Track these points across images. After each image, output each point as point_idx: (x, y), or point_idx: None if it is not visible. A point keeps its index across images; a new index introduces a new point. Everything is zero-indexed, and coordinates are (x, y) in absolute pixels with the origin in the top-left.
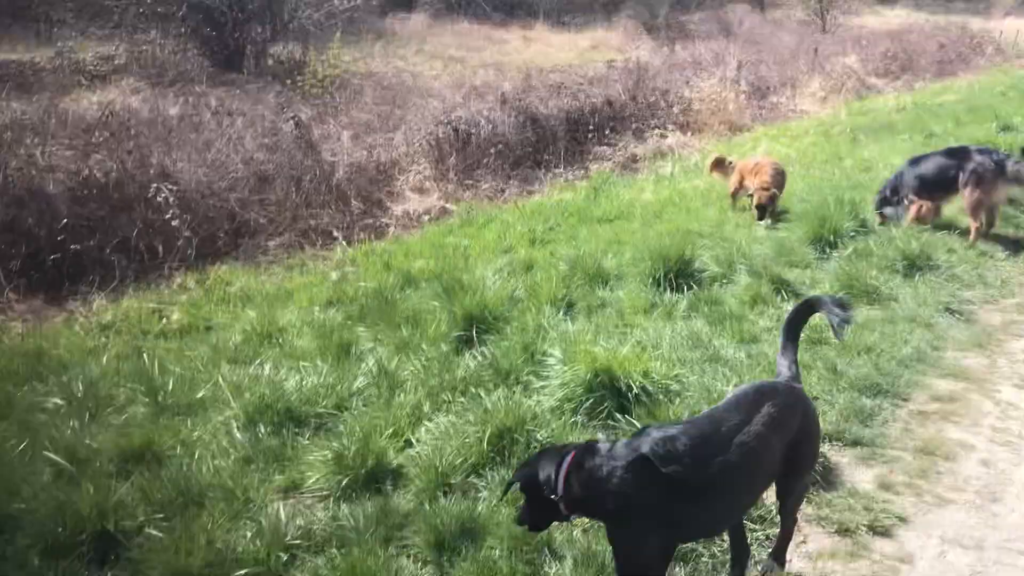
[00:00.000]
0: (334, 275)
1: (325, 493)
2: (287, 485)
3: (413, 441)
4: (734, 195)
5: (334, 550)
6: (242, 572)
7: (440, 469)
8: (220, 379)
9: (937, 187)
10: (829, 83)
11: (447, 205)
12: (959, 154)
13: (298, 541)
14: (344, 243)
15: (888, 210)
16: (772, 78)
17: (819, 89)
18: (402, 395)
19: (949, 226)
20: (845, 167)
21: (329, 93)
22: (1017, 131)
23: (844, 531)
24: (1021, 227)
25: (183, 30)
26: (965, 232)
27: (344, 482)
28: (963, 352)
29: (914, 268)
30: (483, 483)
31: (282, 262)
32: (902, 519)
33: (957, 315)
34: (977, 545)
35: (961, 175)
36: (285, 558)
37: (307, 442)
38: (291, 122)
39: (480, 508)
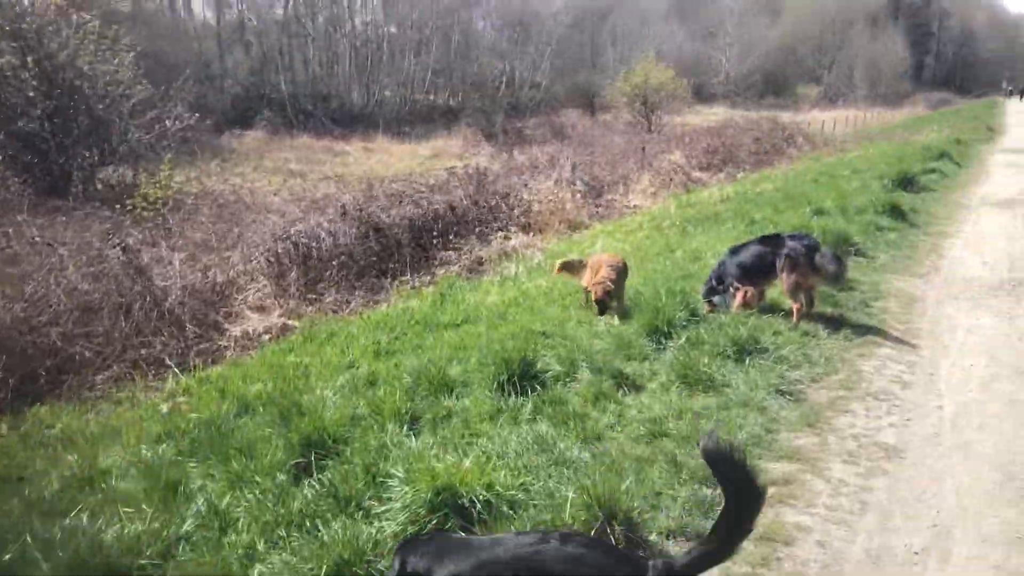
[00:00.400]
0: (164, 407)
1: None
2: None
3: None
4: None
5: None
6: None
7: None
8: (28, 539)
9: (757, 273)
10: (658, 179)
11: (289, 322)
12: (773, 241)
13: None
14: (177, 371)
15: (716, 299)
16: (605, 177)
17: (649, 185)
18: (234, 535)
19: (773, 308)
20: (676, 258)
21: (161, 215)
22: (828, 215)
23: None
24: (839, 305)
25: (1, 157)
26: (789, 314)
27: None
28: (795, 432)
29: (744, 353)
30: None
31: (111, 397)
32: None
33: (787, 396)
34: None
35: (777, 261)
36: None
37: None
38: (118, 248)
39: None
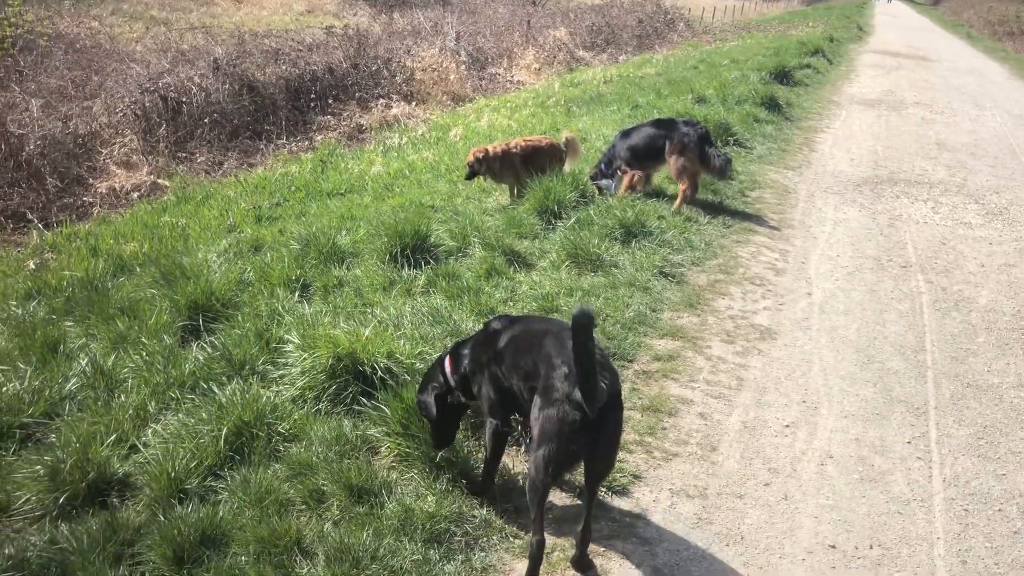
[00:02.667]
0: (32, 263)
1: (39, 514)
2: None
3: (140, 446)
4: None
5: None
6: None
7: (173, 475)
8: None
9: (647, 156)
10: (543, 55)
11: (159, 180)
12: (666, 125)
13: (9, 574)
14: (40, 227)
15: (603, 182)
16: (490, 49)
17: (533, 61)
18: (123, 396)
19: (659, 194)
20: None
21: (11, 56)
22: (709, 103)
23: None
24: (718, 193)
25: None
26: (672, 199)
27: (62, 499)
28: (677, 313)
29: (631, 235)
30: (223, 485)
31: None
32: (636, 476)
33: (670, 278)
34: (701, 493)
35: (668, 144)
36: None
37: (12, 457)
38: None
39: (222, 513)
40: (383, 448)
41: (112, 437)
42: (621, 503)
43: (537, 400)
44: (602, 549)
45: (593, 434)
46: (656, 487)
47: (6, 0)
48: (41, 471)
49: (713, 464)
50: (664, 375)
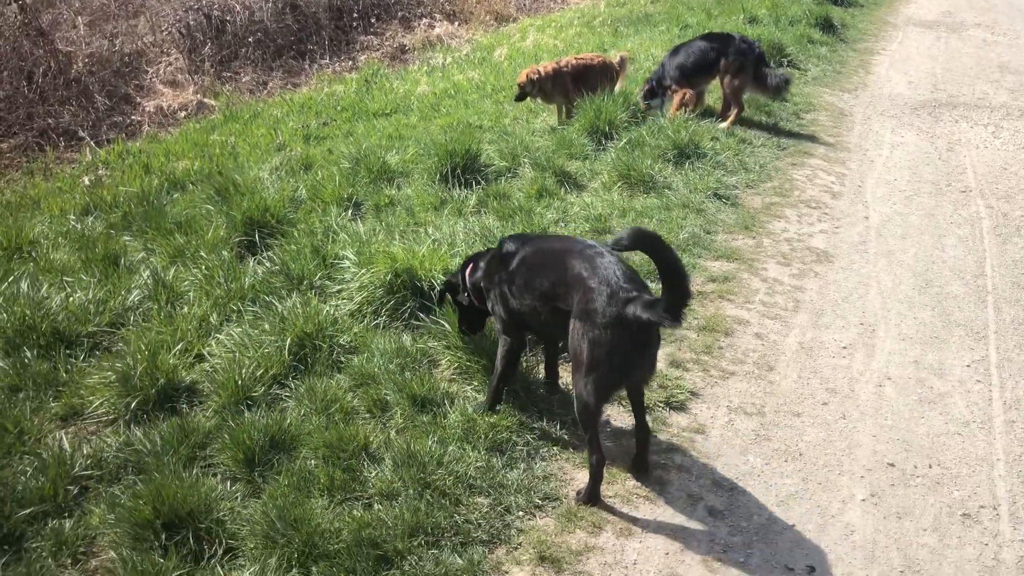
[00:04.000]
0: (86, 180)
1: (112, 417)
2: (66, 412)
3: (205, 356)
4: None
5: (132, 477)
6: (26, 512)
7: (240, 383)
8: None
9: (698, 73)
10: None
11: (205, 100)
12: (720, 40)
13: (88, 472)
14: (92, 144)
15: (654, 101)
16: None
17: None
18: (185, 308)
19: (710, 114)
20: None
21: None
22: (761, 23)
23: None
24: (772, 115)
25: None
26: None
27: (133, 404)
28: (732, 235)
29: (684, 156)
30: (288, 393)
31: (21, 167)
32: (693, 393)
33: (724, 200)
34: (759, 411)
35: (722, 60)
36: (75, 491)
37: (83, 364)
38: (14, 5)
39: (289, 419)
40: (443, 361)
41: (179, 347)
42: (679, 418)
43: (577, 324)
44: (661, 461)
45: (639, 352)
46: (713, 404)
47: None
48: (112, 377)
49: (770, 383)
50: (720, 296)
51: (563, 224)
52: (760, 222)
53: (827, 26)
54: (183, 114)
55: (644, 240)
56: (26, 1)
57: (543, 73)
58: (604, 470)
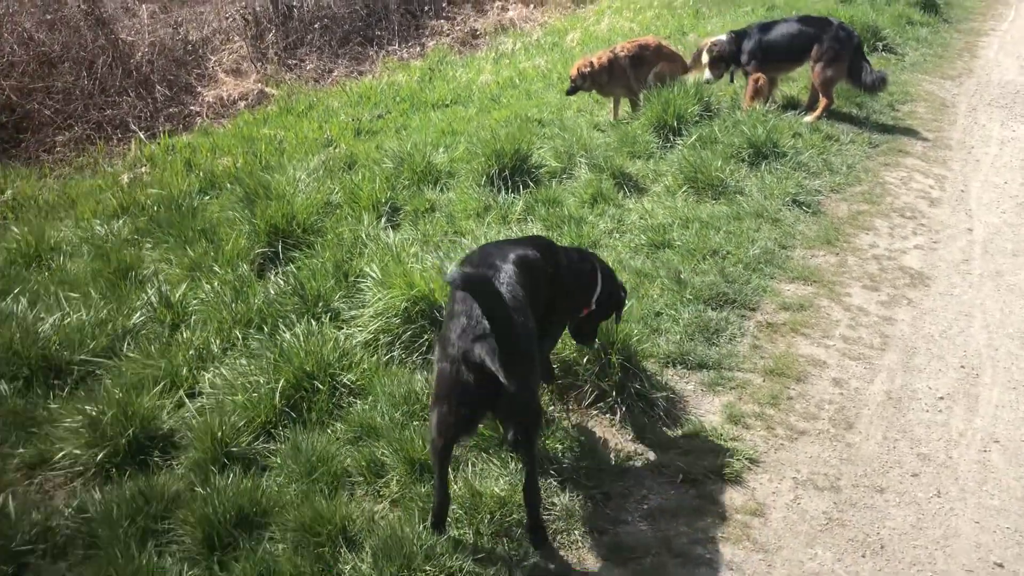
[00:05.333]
0: (125, 178)
1: (79, 469)
2: (35, 460)
3: (188, 399)
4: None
5: (81, 551)
6: None
7: (221, 434)
8: None
9: (786, 56)
10: None
11: (266, 89)
12: (817, 24)
13: (31, 546)
14: (142, 137)
15: (716, 73)
16: None
17: None
18: (186, 332)
19: (793, 105)
20: (689, 43)
21: None
22: (855, 3)
23: (690, 480)
24: (864, 106)
25: None
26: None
27: (101, 456)
28: (811, 250)
29: (760, 156)
30: (273, 447)
31: (71, 161)
32: (753, 461)
33: (804, 207)
34: (832, 485)
35: (816, 47)
36: (11, 572)
37: (66, 400)
38: None
39: (264, 487)
40: None
41: (164, 383)
42: (734, 495)
43: (436, 348)
44: (707, 555)
45: (494, 395)
46: (777, 475)
47: None
48: (81, 424)
49: (848, 446)
50: (793, 329)
51: (617, 236)
52: (845, 235)
53: (928, 5)
54: (243, 104)
55: (472, 287)
56: None
57: (596, 65)
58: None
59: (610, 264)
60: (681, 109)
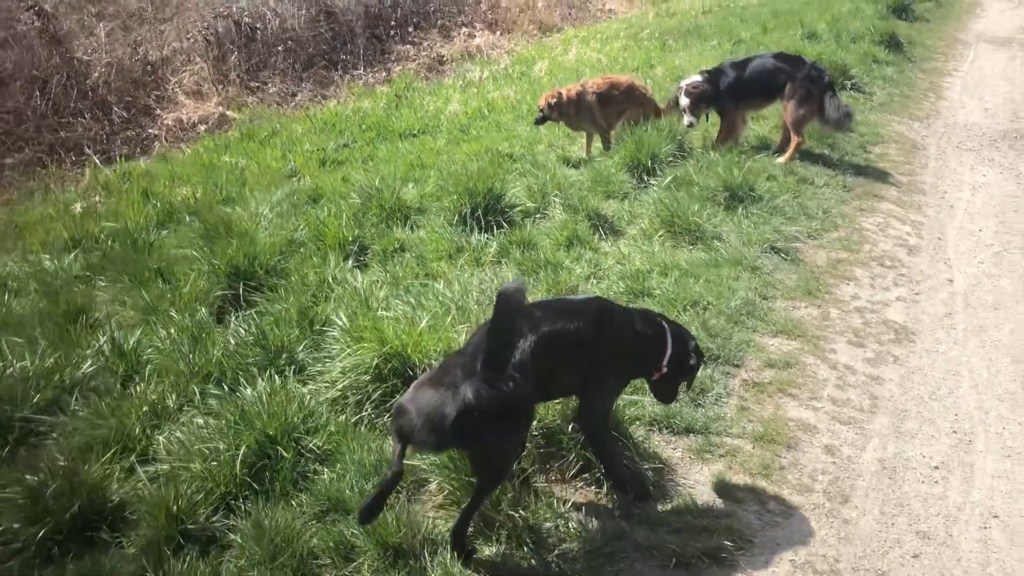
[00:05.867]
0: (78, 207)
1: (18, 547)
2: None
3: (151, 457)
4: None
5: None
6: None
7: (176, 509)
8: None
9: (759, 94)
10: None
11: (228, 112)
12: (791, 61)
13: None
14: (97, 162)
15: (687, 119)
16: None
17: None
18: (140, 385)
19: (765, 147)
20: (657, 76)
21: None
22: (821, 39)
23: (683, 564)
24: (836, 147)
25: None
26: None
27: (42, 533)
28: (793, 301)
29: (736, 199)
30: (234, 523)
31: (20, 186)
32: (746, 539)
33: (783, 255)
34: (832, 568)
35: (789, 85)
36: None
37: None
38: (31, 12)
39: (224, 571)
40: (432, 484)
41: (115, 447)
42: None
43: None
44: None
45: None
46: (770, 556)
47: None
48: (21, 495)
49: (845, 523)
50: (780, 389)
51: (595, 281)
52: (826, 285)
53: (892, 44)
54: (203, 127)
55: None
56: (43, 7)
57: (564, 97)
58: None
59: None
60: (655, 148)
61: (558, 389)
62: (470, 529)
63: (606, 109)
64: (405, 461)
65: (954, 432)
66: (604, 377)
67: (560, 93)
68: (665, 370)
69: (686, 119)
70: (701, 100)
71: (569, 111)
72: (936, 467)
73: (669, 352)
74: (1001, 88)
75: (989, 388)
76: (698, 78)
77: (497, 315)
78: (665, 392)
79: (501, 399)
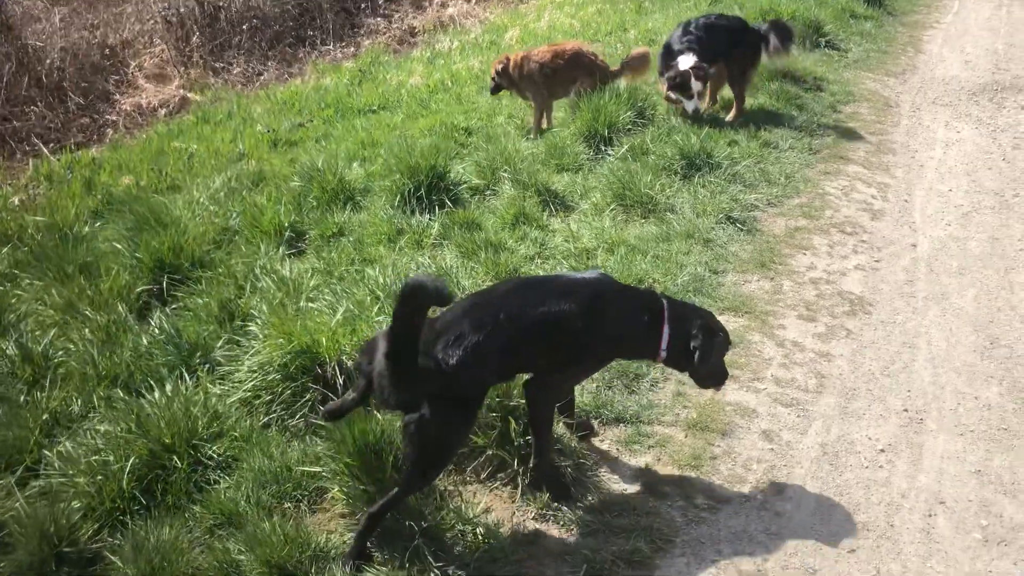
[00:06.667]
0: (16, 200)
1: None
2: None
3: (39, 471)
4: None
5: None
6: None
7: (54, 529)
8: None
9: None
10: None
11: (189, 95)
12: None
13: None
14: (45, 151)
15: (689, 105)
16: None
17: None
18: (45, 390)
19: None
20: (629, 40)
21: None
22: None
23: (593, 570)
24: (805, 108)
25: None
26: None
27: None
28: (744, 275)
29: (693, 168)
30: (117, 541)
31: None
32: (668, 540)
33: (739, 225)
34: (758, 568)
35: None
36: None
37: None
38: None
39: None
40: (333, 489)
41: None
42: None
43: None
44: None
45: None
46: (691, 556)
47: None
48: None
49: (778, 516)
50: None
51: (539, 262)
52: (781, 256)
53: None
54: (163, 111)
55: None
56: None
57: (511, 64)
58: None
59: None
60: (613, 117)
61: (528, 369)
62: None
63: (552, 79)
64: None
65: (905, 410)
66: (582, 360)
67: (508, 59)
68: (664, 355)
69: (690, 105)
70: (707, 78)
71: (513, 77)
72: (882, 450)
73: (667, 337)
74: (984, 40)
75: (946, 360)
76: (692, 58)
77: (397, 313)
78: (698, 378)
79: (446, 380)
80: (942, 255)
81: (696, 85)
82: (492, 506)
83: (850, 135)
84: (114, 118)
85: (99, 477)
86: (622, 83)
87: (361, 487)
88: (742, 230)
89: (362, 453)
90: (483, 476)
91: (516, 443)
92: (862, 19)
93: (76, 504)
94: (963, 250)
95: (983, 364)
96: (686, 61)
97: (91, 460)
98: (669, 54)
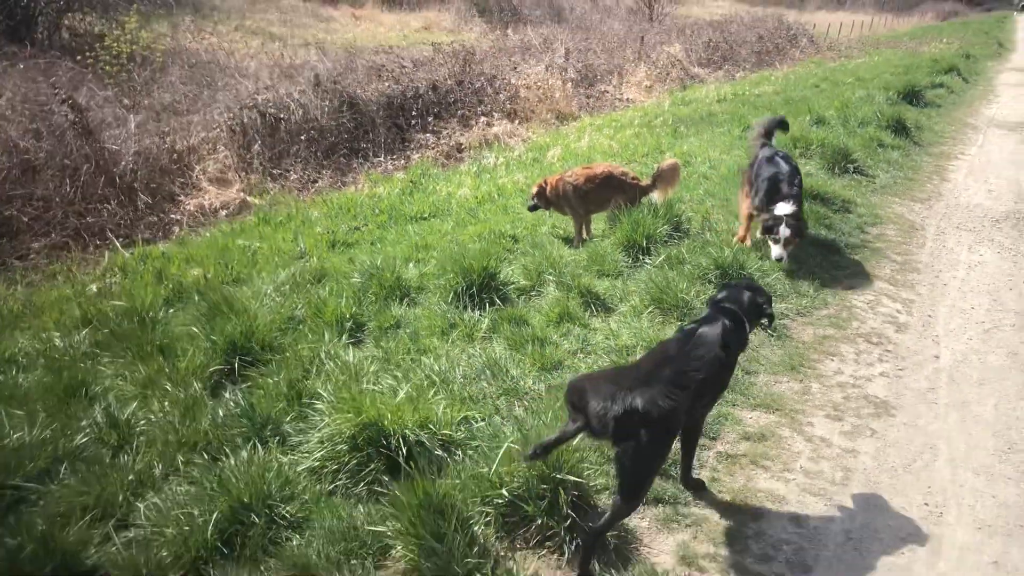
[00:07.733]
0: (94, 287)
1: None
2: None
3: (130, 524)
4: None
5: None
6: None
7: (147, 570)
8: None
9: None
10: (655, 72)
11: (249, 198)
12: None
13: None
14: (117, 245)
15: (775, 250)
16: (600, 65)
17: (645, 78)
18: (129, 454)
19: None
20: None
21: (127, 71)
22: (829, 124)
23: None
24: (833, 228)
25: None
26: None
27: None
28: (775, 376)
29: (727, 277)
30: None
31: (44, 269)
32: None
33: (770, 331)
34: None
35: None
36: None
37: None
38: (65, 105)
39: None
40: (396, 547)
41: (93, 513)
42: None
43: None
44: None
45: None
46: None
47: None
48: None
49: None
50: (753, 461)
51: (582, 356)
52: (810, 361)
53: (900, 128)
54: (224, 213)
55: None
56: (77, 100)
57: (548, 186)
58: None
59: None
60: (651, 229)
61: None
62: None
63: (586, 198)
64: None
65: (925, 504)
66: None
67: (545, 182)
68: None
69: (775, 251)
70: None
71: (552, 199)
72: (903, 538)
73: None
74: (1008, 171)
75: (965, 461)
76: (793, 207)
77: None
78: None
79: (665, 411)
80: (963, 367)
81: (785, 232)
82: (540, 571)
83: (877, 254)
84: (179, 217)
85: (185, 528)
86: (656, 196)
87: (422, 543)
88: (773, 336)
89: (425, 511)
90: (532, 544)
91: (564, 512)
92: (889, 148)
93: (164, 552)
94: (983, 363)
95: (1001, 466)
96: (784, 208)
97: (178, 513)
98: (776, 190)
